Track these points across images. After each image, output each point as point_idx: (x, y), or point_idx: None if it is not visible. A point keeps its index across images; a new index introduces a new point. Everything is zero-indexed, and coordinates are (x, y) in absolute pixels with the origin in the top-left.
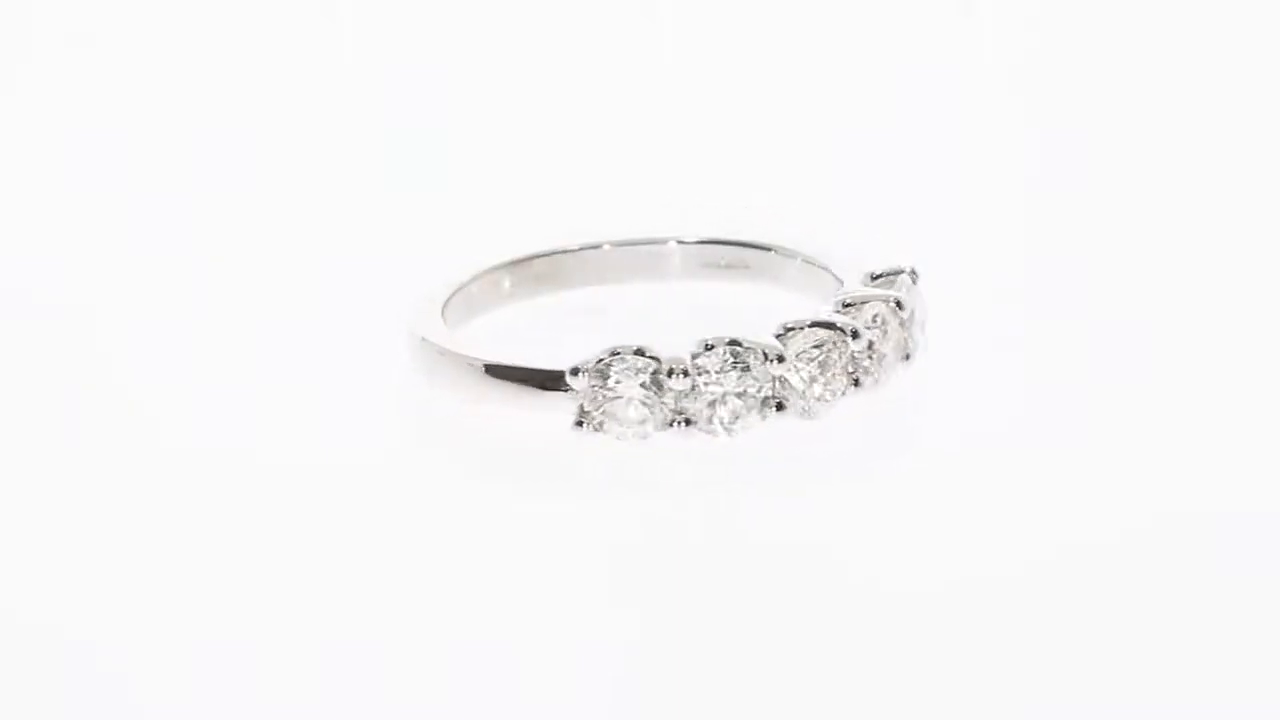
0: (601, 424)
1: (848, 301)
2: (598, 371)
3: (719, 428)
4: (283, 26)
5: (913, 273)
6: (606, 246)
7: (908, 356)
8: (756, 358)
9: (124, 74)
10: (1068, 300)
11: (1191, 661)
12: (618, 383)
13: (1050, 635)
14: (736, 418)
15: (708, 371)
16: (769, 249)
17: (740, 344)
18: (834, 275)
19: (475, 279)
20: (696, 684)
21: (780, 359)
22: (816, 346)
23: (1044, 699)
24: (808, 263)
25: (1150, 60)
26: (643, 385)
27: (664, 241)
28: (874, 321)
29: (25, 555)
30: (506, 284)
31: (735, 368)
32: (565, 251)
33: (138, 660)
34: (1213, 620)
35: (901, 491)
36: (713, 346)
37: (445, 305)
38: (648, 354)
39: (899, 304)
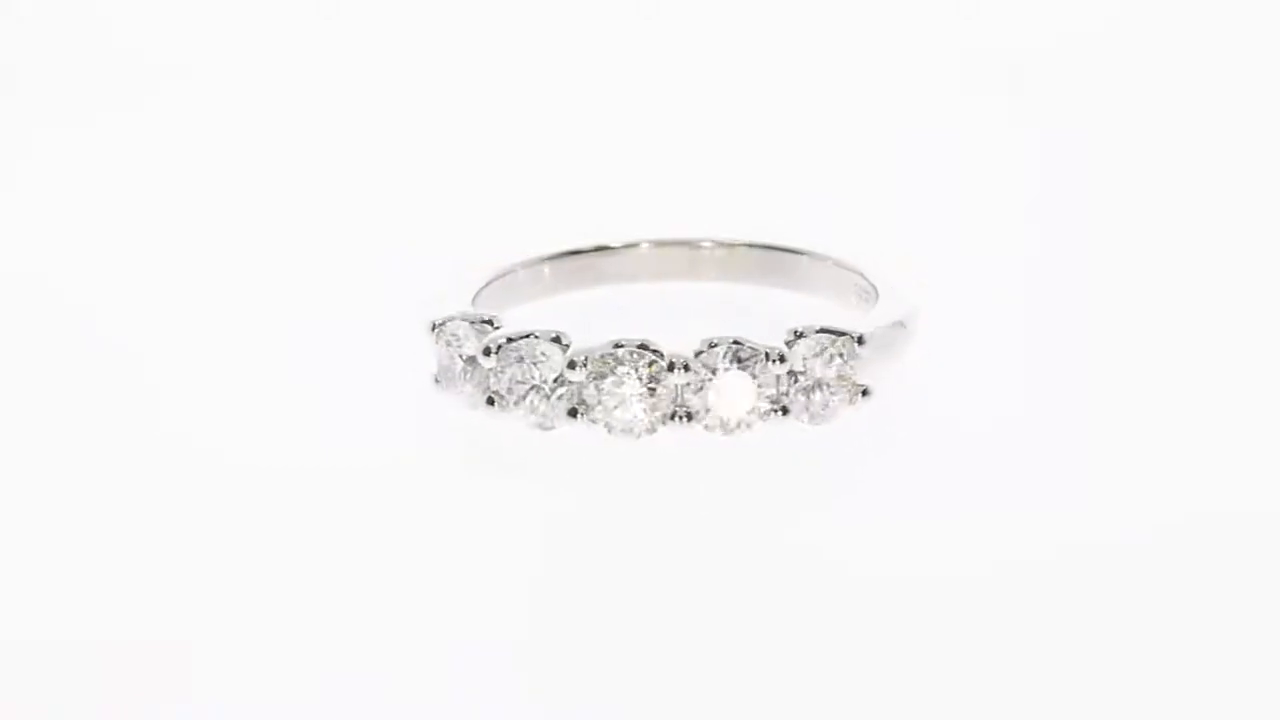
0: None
1: (713, 342)
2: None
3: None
4: (308, 19)
5: (858, 338)
6: (644, 246)
7: (785, 410)
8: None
9: (139, 75)
10: (1073, 300)
11: (1194, 661)
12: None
13: (1049, 635)
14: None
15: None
16: (801, 253)
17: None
18: (868, 281)
19: (504, 274)
20: (699, 685)
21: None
22: (650, 375)
23: (1039, 700)
24: (839, 268)
25: (1154, 62)
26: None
27: (699, 243)
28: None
29: (30, 560)
30: (542, 276)
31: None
32: (603, 249)
33: (151, 663)
34: (1216, 621)
35: (896, 492)
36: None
37: (475, 298)
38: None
39: (781, 359)
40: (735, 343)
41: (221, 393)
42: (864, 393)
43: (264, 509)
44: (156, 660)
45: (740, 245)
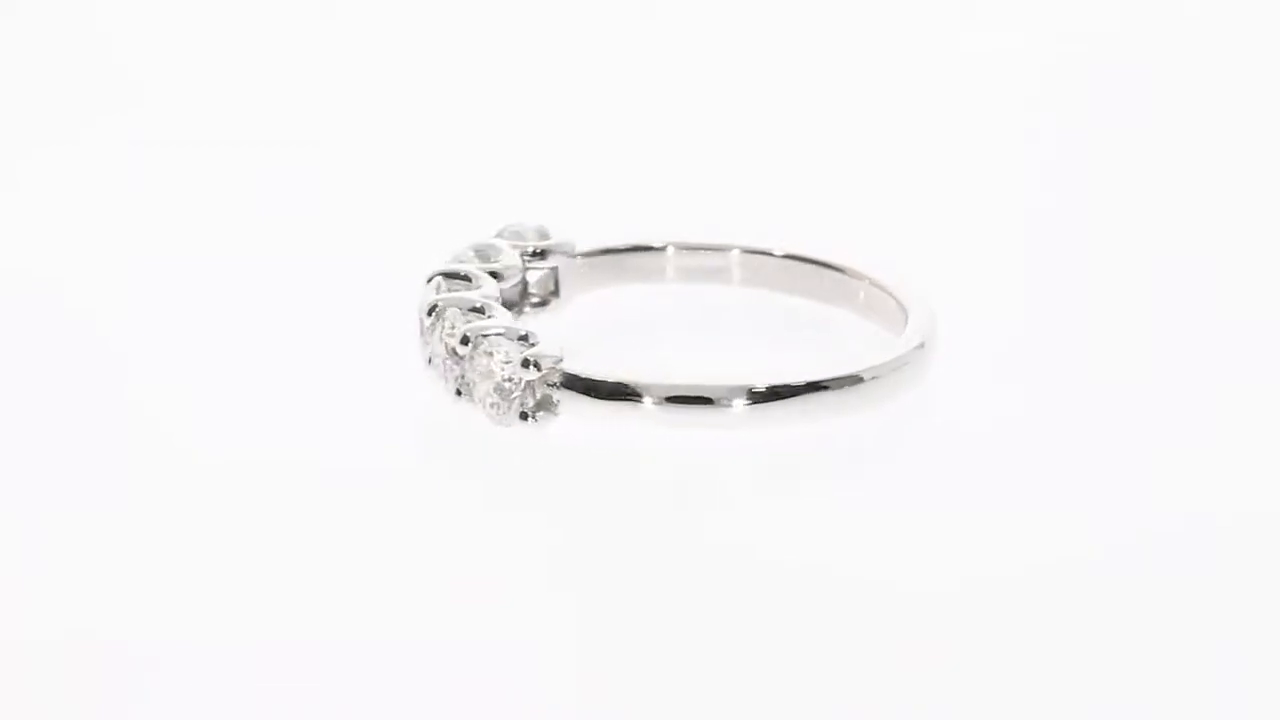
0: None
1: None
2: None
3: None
4: (322, 17)
5: (533, 363)
6: (670, 249)
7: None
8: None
9: (133, 74)
10: (1077, 305)
11: (1197, 663)
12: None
13: (1055, 638)
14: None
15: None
16: (838, 269)
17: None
18: (899, 303)
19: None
20: (701, 691)
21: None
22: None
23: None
24: (875, 287)
25: (1158, 67)
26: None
27: (734, 249)
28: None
29: (25, 561)
30: (575, 271)
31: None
32: (638, 249)
33: (137, 665)
34: (1219, 623)
35: (901, 496)
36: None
37: None
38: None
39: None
40: None
41: (222, 392)
42: (533, 415)
43: (258, 507)
44: (143, 662)
45: (775, 255)
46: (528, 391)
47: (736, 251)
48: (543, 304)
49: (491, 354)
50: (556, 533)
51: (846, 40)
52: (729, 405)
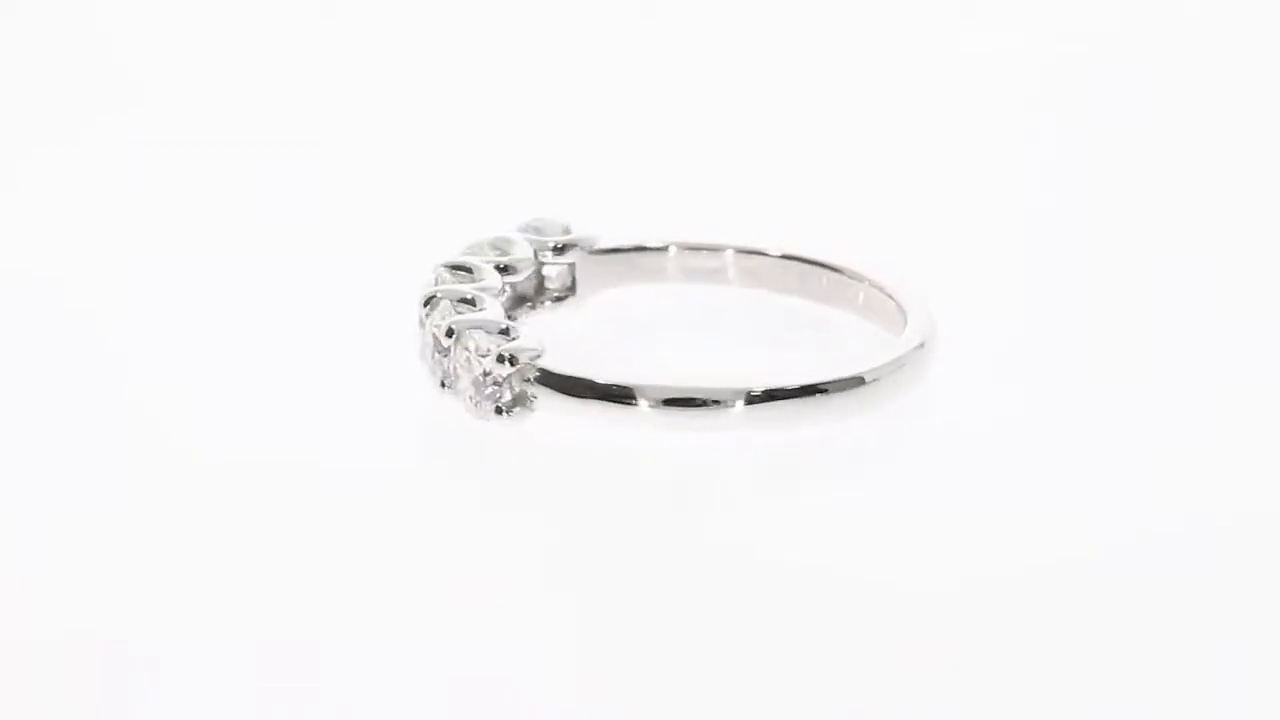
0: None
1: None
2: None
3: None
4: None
5: (508, 358)
6: (672, 249)
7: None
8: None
9: (129, 73)
10: (1077, 305)
11: (1199, 663)
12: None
13: (1053, 641)
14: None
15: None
16: (838, 270)
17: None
18: (898, 304)
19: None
20: (699, 694)
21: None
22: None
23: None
24: (875, 289)
25: (1158, 67)
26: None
27: (734, 250)
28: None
29: (25, 561)
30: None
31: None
32: (639, 249)
33: (148, 665)
34: (1219, 625)
35: (901, 497)
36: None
37: None
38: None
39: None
40: None
41: (222, 391)
42: (508, 411)
43: (256, 506)
44: (143, 662)
45: (775, 256)
46: (505, 386)
47: (736, 252)
48: (561, 299)
49: (469, 347)
50: (554, 532)
51: (846, 40)
52: (727, 407)
